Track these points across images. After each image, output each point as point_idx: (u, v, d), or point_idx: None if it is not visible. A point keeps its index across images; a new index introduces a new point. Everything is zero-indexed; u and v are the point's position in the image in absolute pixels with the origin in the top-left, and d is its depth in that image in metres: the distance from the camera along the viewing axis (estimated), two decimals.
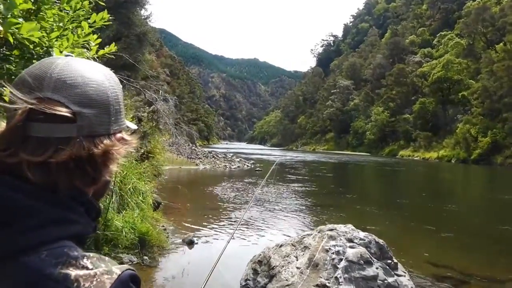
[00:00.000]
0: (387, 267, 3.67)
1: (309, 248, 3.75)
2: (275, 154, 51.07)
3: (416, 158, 53.36)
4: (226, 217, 8.78)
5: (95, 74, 0.70)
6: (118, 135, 0.72)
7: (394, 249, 4.09)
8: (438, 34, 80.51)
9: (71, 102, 0.65)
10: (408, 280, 3.72)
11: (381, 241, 3.92)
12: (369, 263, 3.52)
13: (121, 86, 0.74)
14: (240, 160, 28.23)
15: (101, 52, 2.03)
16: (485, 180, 25.50)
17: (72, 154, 0.63)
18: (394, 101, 73.26)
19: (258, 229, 7.72)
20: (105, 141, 0.68)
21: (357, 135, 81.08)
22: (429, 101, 60.54)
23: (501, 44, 48.51)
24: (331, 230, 3.83)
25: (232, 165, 24.85)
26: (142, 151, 7.96)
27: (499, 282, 5.23)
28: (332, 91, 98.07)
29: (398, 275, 3.73)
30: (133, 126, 0.78)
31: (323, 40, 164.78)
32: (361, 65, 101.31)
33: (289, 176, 20.11)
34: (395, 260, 3.91)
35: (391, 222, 9.12)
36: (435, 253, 6.62)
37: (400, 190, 17.11)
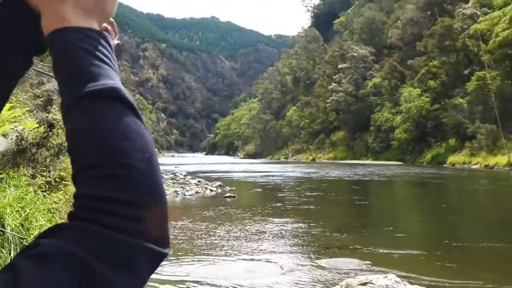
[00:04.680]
0: None
1: None
2: (253, 170, 51.25)
3: (474, 166, 54.40)
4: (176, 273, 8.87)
5: None
6: None
7: None
8: None
9: None
10: None
11: None
12: None
13: None
14: (199, 182, 28.32)
15: None
16: None
17: None
18: (437, 77, 74.53)
19: None
20: None
21: (381, 134, 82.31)
22: (491, 75, 61.89)
23: None
24: (365, 284, 3.97)
25: (187, 191, 24.90)
26: (51, 175, 7.97)
27: None
28: (339, 65, 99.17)
29: None
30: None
31: None
32: (383, 22, 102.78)
33: (276, 204, 20.27)
34: None
35: (445, 267, 9.36)
36: None
37: (453, 218, 17.47)
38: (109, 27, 0.93)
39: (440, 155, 65.21)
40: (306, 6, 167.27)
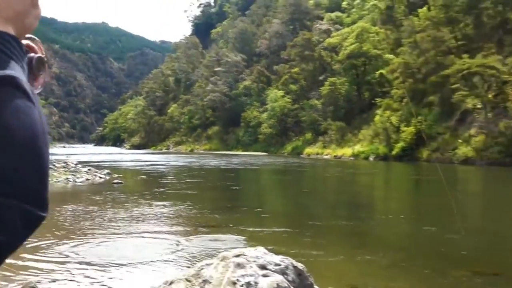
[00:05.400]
0: None
1: (210, 282, 3.97)
2: (139, 159, 50.46)
3: (326, 157, 56.56)
4: (56, 253, 8.65)
5: None
6: None
7: (312, 274, 4.51)
8: None
9: None
10: None
11: (299, 265, 4.30)
12: None
13: None
14: (89, 170, 27.48)
15: None
16: (409, 182, 28.13)
17: None
18: (297, 82, 76.69)
19: (130, 264, 7.75)
20: None
21: (250, 129, 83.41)
22: (340, 81, 64.58)
23: (425, 8, 53.51)
24: (238, 256, 4.11)
25: (78, 178, 24.10)
26: None
27: None
28: (215, 68, 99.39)
29: None
30: None
31: None
32: (253, 34, 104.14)
33: (160, 189, 20.16)
34: None
35: (303, 242, 9.75)
36: (359, 275, 7.31)
37: (309, 201, 18.18)
38: (31, 43, 1.00)
39: (298, 147, 67.16)
40: (188, 17, 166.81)
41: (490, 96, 40.66)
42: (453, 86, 41.60)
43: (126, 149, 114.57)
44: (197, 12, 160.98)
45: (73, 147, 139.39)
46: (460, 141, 40.72)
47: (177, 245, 9.30)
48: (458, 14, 50.08)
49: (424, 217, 13.73)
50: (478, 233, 11.24)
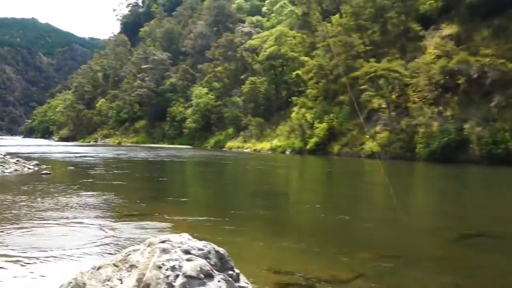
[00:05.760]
0: (230, 279, 4.07)
1: (136, 267, 3.90)
2: (68, 151, 48.86)
3: (246, 150, 57.02)
4: None
5: None
6: None
7: (233, 258, 4.53)
8: (269, 0, 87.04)
9: None
10: None
11: (221, 250, 4.30)
12: (210, 276, 3.85)
13: None
14: (18, 161, 26.27)
15: None
16: (323, 174, 28.87)
17: None
18: (220, 80, 76.80)
19: (58, 252, 7.48)
20: None
21: (175, 123, 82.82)
22: (260, 80, 65.19)
23: (337, 15, 54.92)
24: (164, 242, 4.06)
25: (6, 169, 23.00)
26: None
27: (343, 282, 6.21)
28: (142, 66, 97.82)
29: (241, 287, 4.17)
30: None
31: None
32: (179, 34, 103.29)
33: (88, 180, 19.65)
34: (237, 271, 4.35)
35: (226, 229, 9.77)
36: (277, 259, 7.41)
37: (232, 191, 18.26)
38: None
39: (221, 141, 67.37)
40: (116, 15, 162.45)
41: (393, 97, 42.36)
42: (361, 87, 42.93)
43: (55, 141, 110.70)
44: (126, 11, 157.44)
45: (1, 138, 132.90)
46: (367, 137, 42.12)
47: (105, 232, 9.06)
48: (367, 22, 51.70)
49: (338, 206, 14.08)
50: (384, 221, 11.72)
